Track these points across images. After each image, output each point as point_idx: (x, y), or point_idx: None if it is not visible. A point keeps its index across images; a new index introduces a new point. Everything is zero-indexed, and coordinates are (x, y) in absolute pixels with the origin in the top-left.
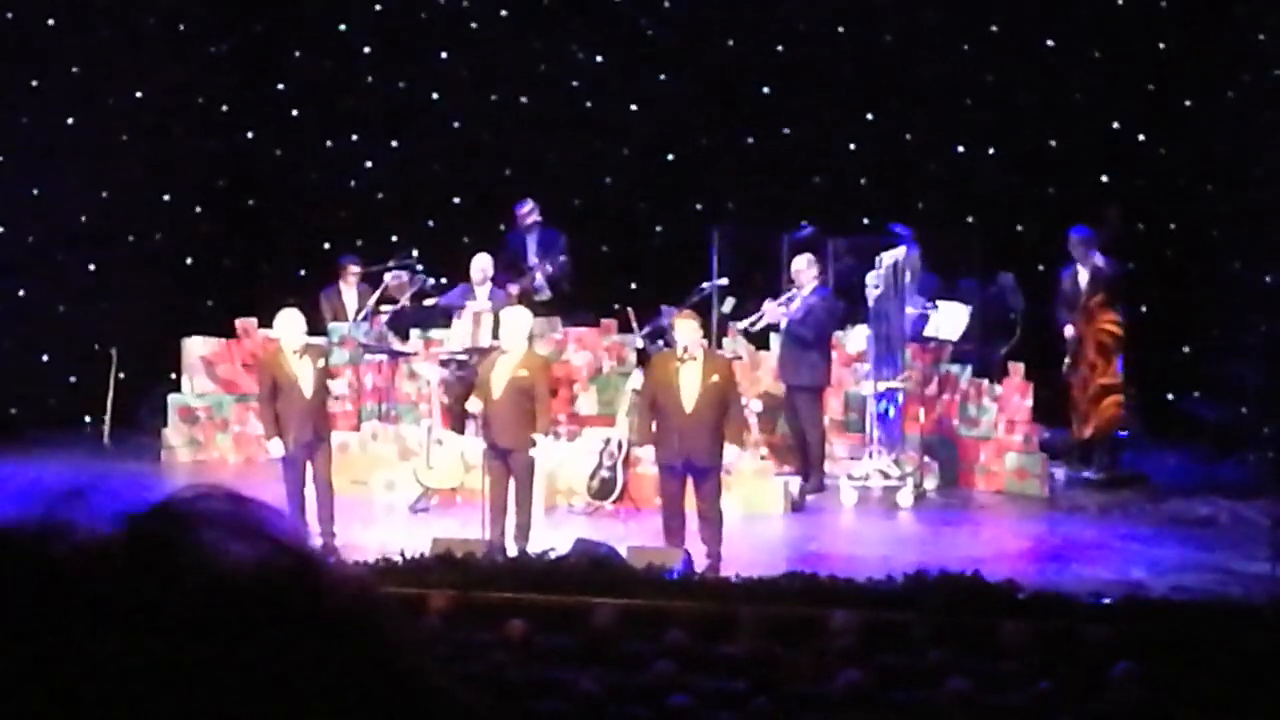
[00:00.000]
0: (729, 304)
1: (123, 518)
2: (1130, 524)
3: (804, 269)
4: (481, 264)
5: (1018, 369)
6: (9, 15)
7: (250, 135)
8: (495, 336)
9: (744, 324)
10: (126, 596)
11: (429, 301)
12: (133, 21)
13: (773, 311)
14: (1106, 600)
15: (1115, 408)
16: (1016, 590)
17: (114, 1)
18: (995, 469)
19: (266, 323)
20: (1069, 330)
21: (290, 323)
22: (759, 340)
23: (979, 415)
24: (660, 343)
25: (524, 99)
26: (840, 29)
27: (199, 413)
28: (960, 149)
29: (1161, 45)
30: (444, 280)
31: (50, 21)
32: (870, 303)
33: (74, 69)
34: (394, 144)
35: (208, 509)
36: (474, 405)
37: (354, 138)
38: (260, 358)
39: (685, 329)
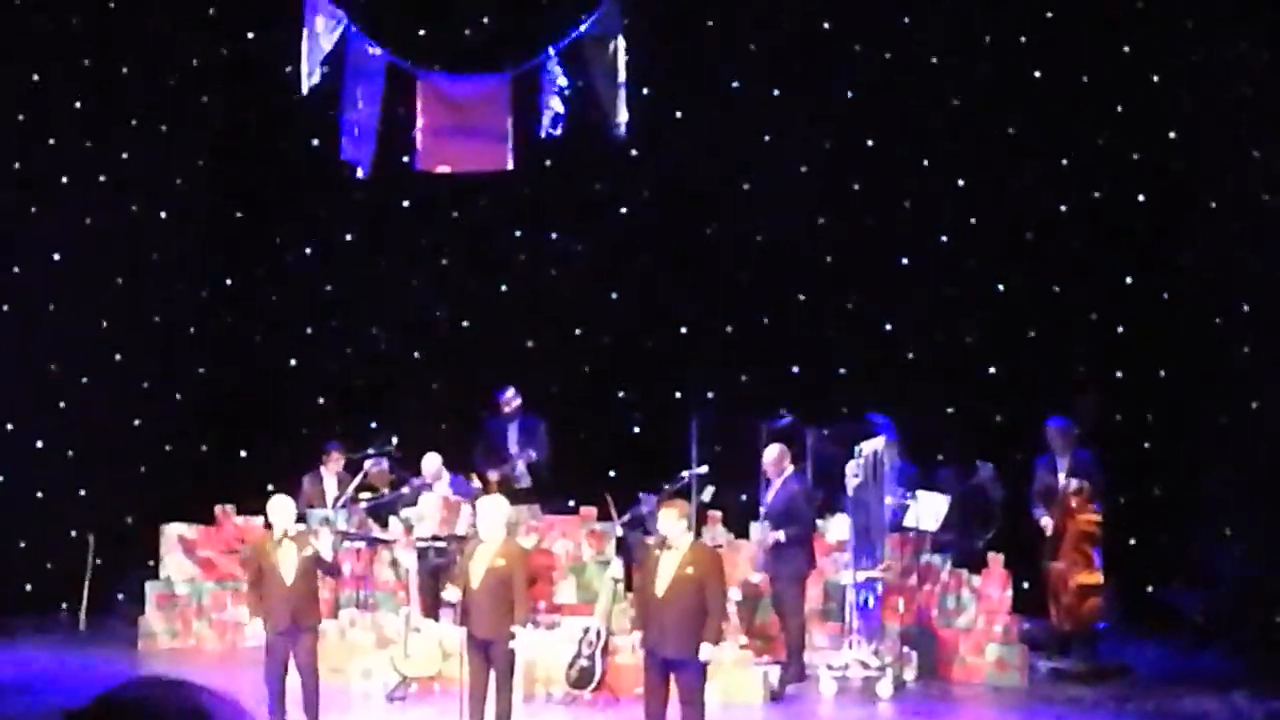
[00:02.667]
0: (709, 492)
1: (62, 715)
2: (1112, 716)
3: (775, 460)
4: (431, 464)
5: (997, 560)
6: None
7: (230, 321)
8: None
9: (755, 549)
10: None
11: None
12: (114, 208)
13: (765, 532)
14: None
15: (1095, 606)
16: None
17: (94, 189)
18: (975, 660)
19: (246, 509)
20: (1046, 521)
21: (277, 509)
22: (739, 529)
23: (959, 606)
24: (640, 530)
25: (504, 286)
26: (820, 219)
27: (177, 599)
28: (939, 337)
29: (1137, 228)
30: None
31: (32, 209)
32: (850, 492)
33: (54, 255)
34: (373, 330)
35: (148, 700)
36: (451, 594)
37: (333, 323)
38: (251, 543)
39: (666, 518)
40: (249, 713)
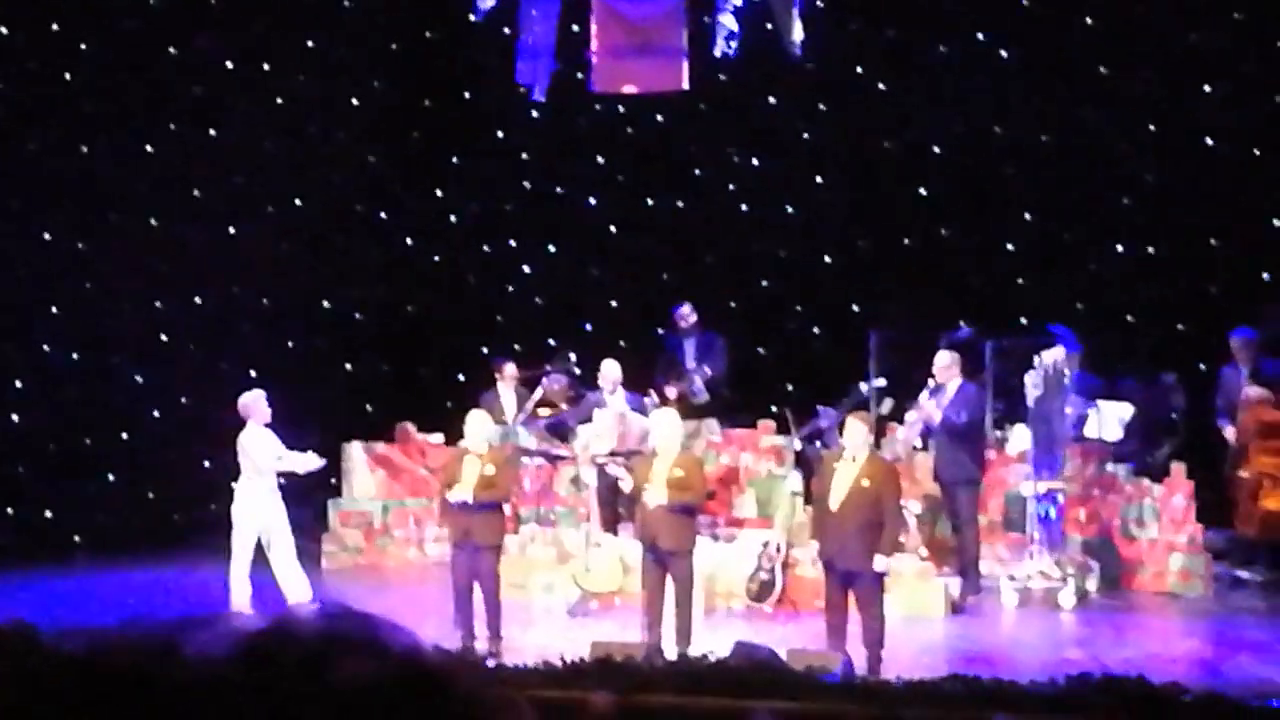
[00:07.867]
0: (887, 405)
1: (239, 637)
2: None
3: (946, 365)
4: (610, 371)
5: (1179, 469)
6: (171, 126)
7: (409, 241)
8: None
9: (904, 432)
10: (238, 715)
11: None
12: (292, 130)
13: (927, 408)
14: (1275, 703)
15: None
16: (1182, 692)
17: (271, 111)
18: (1158, 570)
19: (426, 427)
20: (1229, 431)
21: (471, 423)
22: (917, 442)
23: (1141, 516)
24: (818, 444)
25: (680, 203)
26: (997, 129)
27: (361, 516)
28: (1120, 248)
29: None
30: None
31: (210, 133)
32: (1030, 403)
33: (235, 179)
34: (551, 248)
35: (325, 627)
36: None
37: (511, 242)
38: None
39: (853, 430)
40: (420, 639)
